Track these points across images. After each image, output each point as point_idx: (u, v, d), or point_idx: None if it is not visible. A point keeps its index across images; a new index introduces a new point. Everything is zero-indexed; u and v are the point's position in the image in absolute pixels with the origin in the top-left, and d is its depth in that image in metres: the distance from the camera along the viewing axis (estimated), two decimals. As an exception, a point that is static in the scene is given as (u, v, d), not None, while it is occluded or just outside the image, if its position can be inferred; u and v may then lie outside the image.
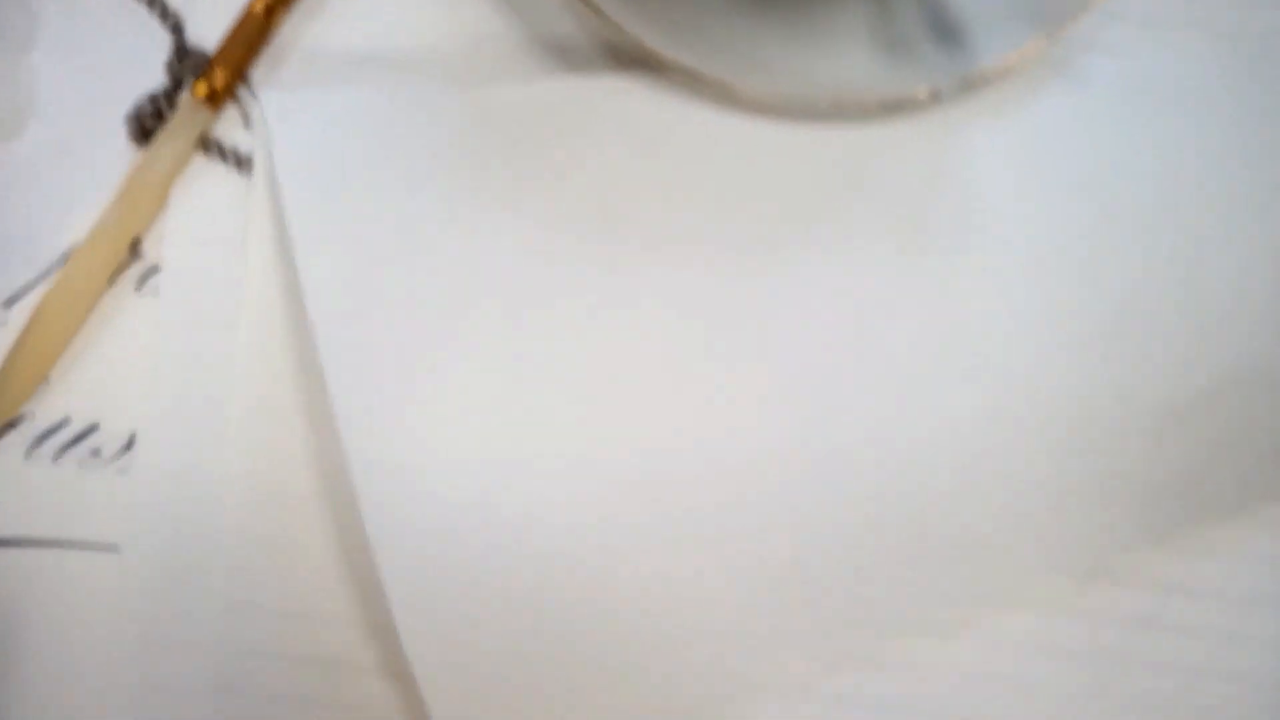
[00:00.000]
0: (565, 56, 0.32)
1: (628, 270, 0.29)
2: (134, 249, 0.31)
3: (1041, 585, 0.30)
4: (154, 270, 0.31)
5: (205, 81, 0.31)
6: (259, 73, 0.32)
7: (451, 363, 0.28)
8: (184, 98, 0.31)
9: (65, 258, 0.31)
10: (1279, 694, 0.30)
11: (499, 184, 0.29)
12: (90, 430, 0.30)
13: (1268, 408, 0.30)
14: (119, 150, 0.32)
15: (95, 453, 0.30)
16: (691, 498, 0.28)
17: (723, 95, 0.30)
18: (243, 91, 0.32)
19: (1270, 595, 0.30)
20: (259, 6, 0.32)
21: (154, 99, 0.32)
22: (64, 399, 0.31)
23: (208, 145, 0.32)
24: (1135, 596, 0.30)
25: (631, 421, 0.28)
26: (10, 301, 0.31)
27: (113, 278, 0.31)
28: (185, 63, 0.32)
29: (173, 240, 0.31)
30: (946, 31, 0.30)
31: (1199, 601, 0.30)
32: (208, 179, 0.31)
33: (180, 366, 0.30)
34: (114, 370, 0.31)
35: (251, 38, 0.32)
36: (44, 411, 0.30)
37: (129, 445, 0.30)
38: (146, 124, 0.31)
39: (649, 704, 0.28)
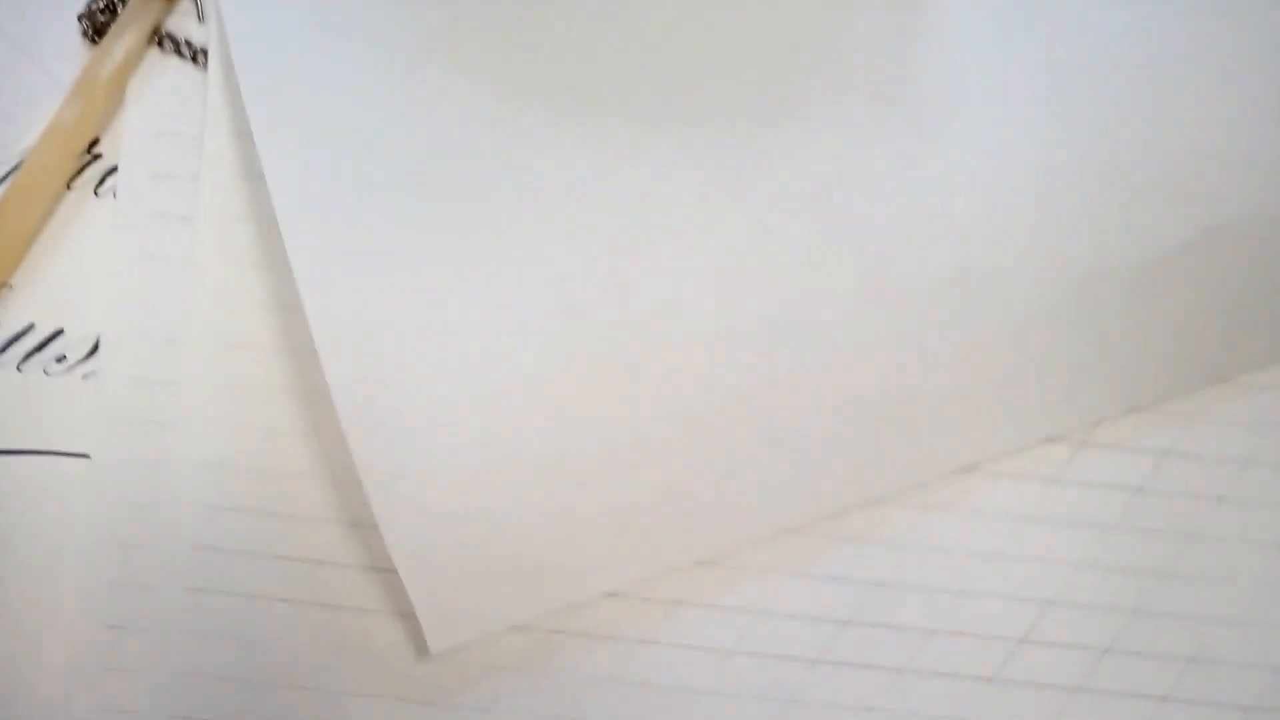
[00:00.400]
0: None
1: (595, 136, 0.28)
2: (91, 150, 0.30)
3: (1029, 456, 0.29)
4: (113, 171, 0.30)
5: (157, -26, 0.30)
6: (212, -36, 0.31)
7: (418, 241, 0.28)
8: (135, -8, 0.30)
9: (21, 160, 0.30)
10: (1271, 555, 0.29)
11: (463, 57, 0.29)
12: (55, 336, 0.30)
13: (1249, 266, 0.29)
14: (72, 49, 0.31)
15: (60, 359, 0.30)
16: (664, 365, 0.27)
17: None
18: (195, -17, 0.31)
19: (1260, 458, 0.30)
20: (209, -104, 0.31)
21: (105, -6, 0.31)
22: (27, 306, 0.30)
23: (161, 39, 0.31)
24: (1125, 463, 0.29)
25: (602, 288, 0.28)
26: (-34, 207, 0.30)
27: (71, 181, 0.30)
28: (136, -43, 0.31)
29: (129, 138, 0.30)
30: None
31: (1189, 466, 0.29)
32: (163, 73, 0.31)
33: (141, 266, 0.30)
34: (76, 275, 0.30)
35: (203, -72, 0.31)
36: (7, 319, 0.30)
37: (94, 350, 0.30)
38: (99, 20, 0.30)
39: (628, 577, 0.28)
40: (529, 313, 0.27)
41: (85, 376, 0.30)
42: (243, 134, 0.30)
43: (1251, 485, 0.29)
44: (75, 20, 0.31)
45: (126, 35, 0.30)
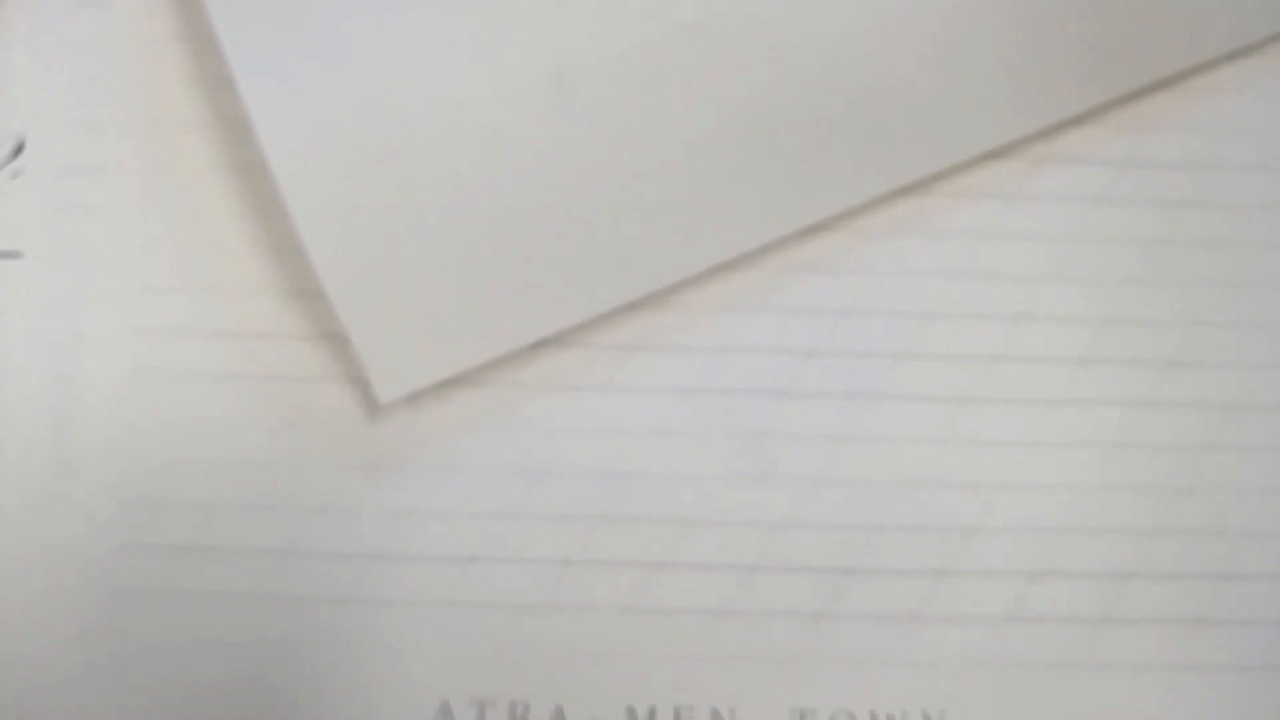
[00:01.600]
0: None
1: None
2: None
3: (985, 175, 0.29)
4: (26, -29, 0.30)
5: None
6: None
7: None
8: None
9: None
10: (1235, 253, 0.28)
11: None
12: (-22, 139, 0.29)
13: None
14: None
15: (-15, 160, 0.29)
16: (592, 82, 0.27)
17: None
18: None
19: (1221, 161, 0.29)
20: None
21: None
22: (-54, 113, 0.29)
23: None
24: (1084, 175, 0.29)
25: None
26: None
27: (-16, -14, 0.30)
28: None
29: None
30: None
31: (1150, 174, 0.29)
32: None
33: (61, 57, 0.29)
34: (-4, 75, 0.29)
35: None
36: (-75, 126, 0.29)
37: (19, 149, 0.29)
38: None
39: (580, 315, 0.27)
40: (453, 38, 0.27)
41: (15, 175, 0.29)
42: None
43: (1214, 189, 0.29)
44: None
45: None
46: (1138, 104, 0.29)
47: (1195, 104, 0.29)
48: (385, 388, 0.26)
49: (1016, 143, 0.28)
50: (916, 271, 0.28)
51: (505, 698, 0.26)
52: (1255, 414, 0.28)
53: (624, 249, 0.27)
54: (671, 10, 0.27)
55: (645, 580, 0.27)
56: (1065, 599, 0.27)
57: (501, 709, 0.26)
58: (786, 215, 0.27)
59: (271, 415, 0.27)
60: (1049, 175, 0.29)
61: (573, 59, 0.27)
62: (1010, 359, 0.28)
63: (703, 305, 0.28)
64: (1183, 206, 0.29)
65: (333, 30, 0.27)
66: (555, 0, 0.27)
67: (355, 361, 0.27)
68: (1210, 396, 0.28)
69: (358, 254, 0.26)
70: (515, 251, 0.27)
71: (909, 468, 0.27)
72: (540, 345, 0.27)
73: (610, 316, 0.27)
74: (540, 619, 0.26)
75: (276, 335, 0.28)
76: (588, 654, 0.26)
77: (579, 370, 0.28)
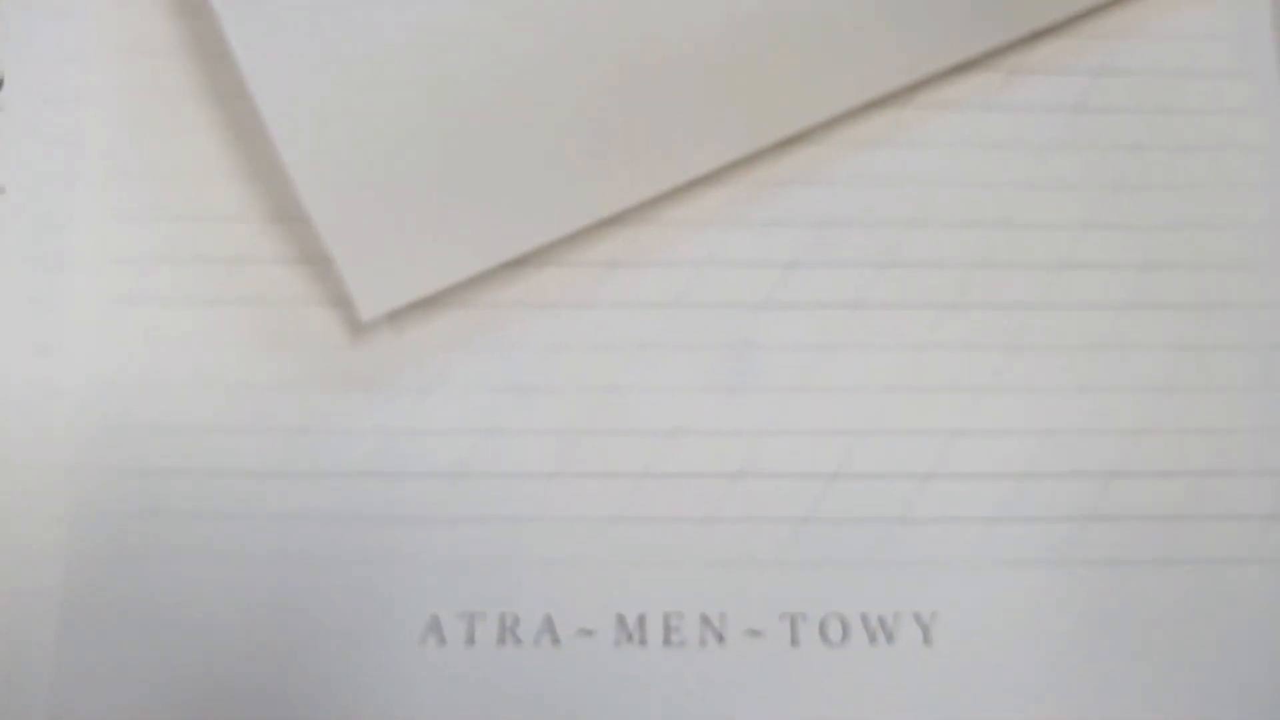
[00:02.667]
0: None
1: None
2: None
3: (962, 85, 0.29)
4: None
5: None
6: None
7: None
8: None
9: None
10: (1216, 155, 0.29)
11: None
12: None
13: None
14: None
15: (-36, 98, 0.29)
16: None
17: None
18: None
19: (1197, 67, 0.29)
20: None
21: None
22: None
23: None
24: (1060, 84, 0.29)
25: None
26: None
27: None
28: None
29: None
30: None
31: (1126, 81, 0.29)
32: None
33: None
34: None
35: None
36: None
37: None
38: None
39: (558, 230, 0.27)
40: None
41: (-7, 110, 0.29)
42: None
43: (1191, 95, 0.29)
44: None
45: None
46: (1112, 13, 0.29)
47: (1170, 13, 0.29)
48: (367, 305, 0.26)
49: (991, 53, 0.29)
50: (894, 180, 0.28)
51: (495, 610, 0.26)
52: (1235, 312, 0.28)
53: (601, 165, 0.27)
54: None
55: (631, 490, 0.27)
56: (1051, 498, 0.27)
57: (491, 621, 0.26)
58: (765, 128, 0.28)
59: (255, 338, 0.27)
60: (1024, 85, 0.29)
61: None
62: (990, 265, 0.28)
63: (682, 220, 0.28)
64: (1159, 113, 0.29)
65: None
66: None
67: (338, 283, 0.27)
68: (1190, 298, 0.28)
69: (338, 175, 0.26)
70: (494, 169, 0.27)
71: (892, 374, 0.27)
72: (521, 263, 0.28)
73: (590, 233, 0.28)
74: (528, 531, 0.26)
75: (258, 259, 0.28)
76: (576, 564, 0.26)
77: (561, 287, 0.28)
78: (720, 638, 0.26)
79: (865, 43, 0.28)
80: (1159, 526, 0.27)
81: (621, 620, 0.26)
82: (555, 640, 0.26)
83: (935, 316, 0.28)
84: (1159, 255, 0.28)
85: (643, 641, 0.26)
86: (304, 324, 0.27)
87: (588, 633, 0.26)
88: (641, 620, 0.26)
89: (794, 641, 0.26)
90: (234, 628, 0.26)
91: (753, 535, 0.26)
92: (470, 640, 0.26)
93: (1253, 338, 0.28)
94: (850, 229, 0.28)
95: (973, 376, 0.27)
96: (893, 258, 0.28)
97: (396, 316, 0.27)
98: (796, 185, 0.28)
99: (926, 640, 0.26)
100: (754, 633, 0.26)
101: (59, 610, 0.26)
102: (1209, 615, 0.26)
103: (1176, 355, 0.27)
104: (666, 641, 0.26)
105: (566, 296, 0.28)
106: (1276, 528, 0.27)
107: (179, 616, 0.26)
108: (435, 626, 0.26)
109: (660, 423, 0.27)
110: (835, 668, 0.26)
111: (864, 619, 0.26)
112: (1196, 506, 0.27)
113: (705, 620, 0.26)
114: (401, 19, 0.26)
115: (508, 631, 0.26)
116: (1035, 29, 0.28)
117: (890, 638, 0.26)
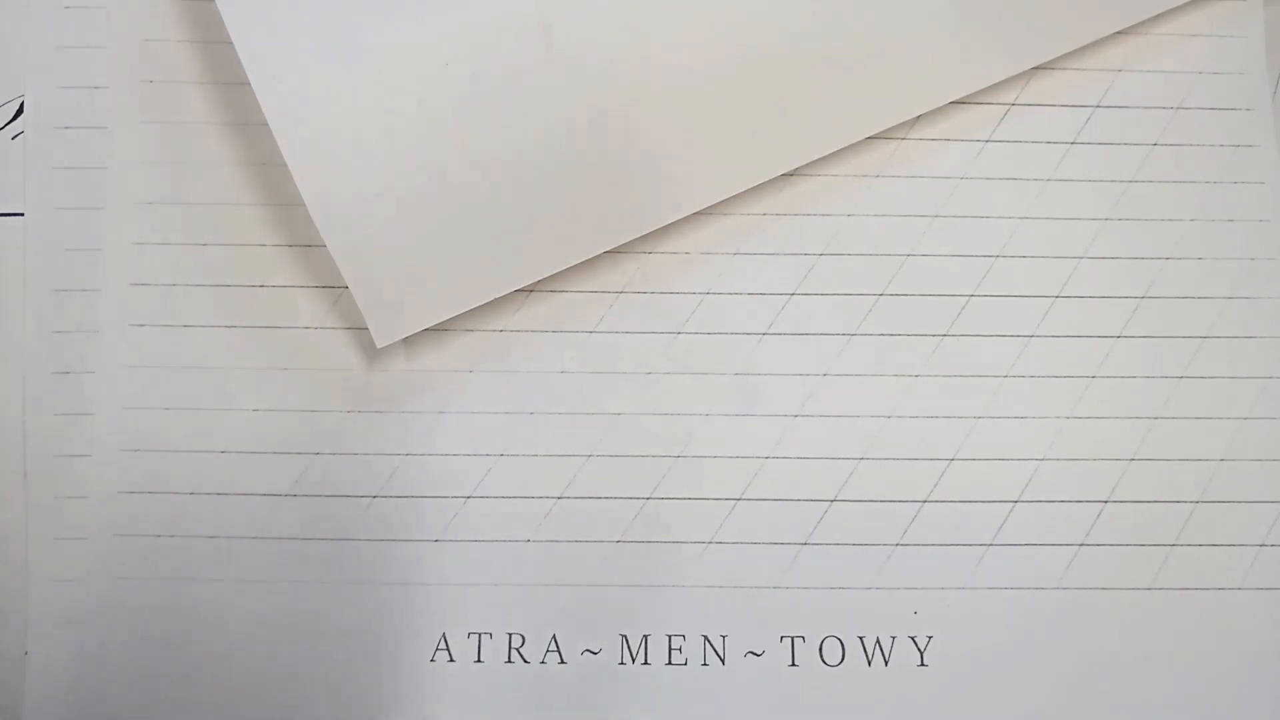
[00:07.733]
0: None
1: None
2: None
3: (961, 120, 0.29)
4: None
5: None
6: None
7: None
8: None
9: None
10: (1208, 190, 0.29)
11: None
12: (-20, 103, 0.30)
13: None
14: None
15: (-12, 123, 0.30)
16: (592, 30, 0.27)
17: None
18: None
19: (1189, 102, 0.29)
20: None
21: None
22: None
23: None
24: (1058, 119, 0.29)
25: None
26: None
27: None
28: None
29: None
30: None
31: (1122, 116, 0.29)
32: None
33: (58, 18, 0.30)
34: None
35: None
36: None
37: (19, 111, 0.30)
38: None
39: (563, 262, 0.28)
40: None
41: (14, 137, 0.29)
42: None
43: (1188, 129, 0.29)
44: None
45: None
46: (1109, 48, 0.30)
47: (1166, 51, 0.30)
48: (382, 333, 0.27)
49: (990, 89, 0.29)
50: (895, 213, 0.29)
51: (501, 630, 0.27)
52: (1227, 344, 0.28)
53: (608, 198, 0.28)
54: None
55: (635, 514, 0.27)
56: (1045, 524, 0.27)
57: (498, 641, 0.27)
58: (766, 162, 0.28)
59: (273, 362, 0.28)
60: (1023, 119, 0.29)
61: (561, 10, 0.27)
62: (987, 296, 0.29)
63: (686, 251, 0.29)
64: (1156, 146, 0.29)
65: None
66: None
67: (353, 310, 0.28)
68: (1185, 330, 0.28)
69: (354, 207, 0.27)
70: (505, 202, 0.27)
71: (889, 402, 0.28)
72: (530, 291, 0.28)
73: (597, 263, 0.28)
74: (535, 553, 0.27)
75: (276, 286, 0.29)
76: (581, 585, 0.27)
77: (568, 315, 0.28)
78: (721, 658, 0.27)
79: (866, 80, 0.28)
80: (1151, 553, 0.27)
81: (626, 641, 0.27)
82: (561, 659, 0.27)
83: (932, 345, 0.28)
84: (1155, 288, 0.29)
85: (646, 661, 0.27)
86: (320, 349, 0.28)
87: (593, 652, 0.27)
88: (645, 641, 0.27)
89: (793, 662, 0.27)
90: (252, 644, 0.27)
91: (753, 559, 0.27)
92: (478, 659, 0.27)
93: (1246, 367, 0.28)
94: (852, 260, 0.29)
95: (968, 405, 0.28)
96: (891, 288, 0.29)
97: (410, 342, 0.28)
98: (797, 217, 0.29)
99: (922, 662, 0.27)
100: (754, 654, 0.27)
101: (80, 628, 0.27)
102: (1200, 640, 0.27)
103: (1169, 385, 0.28)
104: (669, 662, 0.27)
105: (574, 324, 0.28)
106: (1268, 555, 0.28)
107: (199, 634, 0.27)
108: (444, 645, 0.27)
109: (664, 448, 0.28)
110: (833, 688, 0.27)
111: (861, 641, 0.27)
112: (1188, 534, 0.28)
113: (707, 642, 0.27)
114: (418, 59, 0.27)
115: (515, 651, 0.27)
116: (1034, 66, 0.29)
117: (886, 659, 0.27)
